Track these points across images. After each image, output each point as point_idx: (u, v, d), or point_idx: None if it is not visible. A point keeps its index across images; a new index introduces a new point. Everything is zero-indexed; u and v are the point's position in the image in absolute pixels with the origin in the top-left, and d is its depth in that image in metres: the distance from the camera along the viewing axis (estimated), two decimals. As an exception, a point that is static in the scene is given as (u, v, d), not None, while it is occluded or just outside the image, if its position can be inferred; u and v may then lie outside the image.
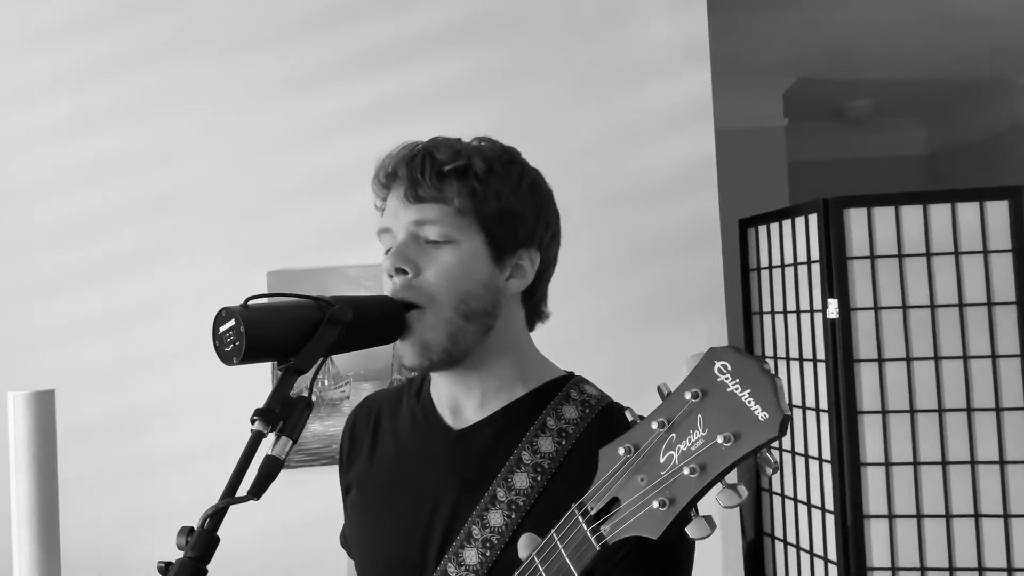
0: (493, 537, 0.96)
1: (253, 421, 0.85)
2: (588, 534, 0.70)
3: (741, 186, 3.57)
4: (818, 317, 2.70)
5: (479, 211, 1.00)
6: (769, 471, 0.64)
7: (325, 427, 2.37)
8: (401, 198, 1.01)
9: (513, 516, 0.96)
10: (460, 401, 1.07)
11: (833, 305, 2.62)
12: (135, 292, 2.42)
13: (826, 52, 4.14)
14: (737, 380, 0.63)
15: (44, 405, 1.33)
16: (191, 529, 0.80)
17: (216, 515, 0.80)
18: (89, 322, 2.40)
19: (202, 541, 0.79)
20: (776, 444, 2.90)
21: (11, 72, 2.45)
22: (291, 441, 0.87)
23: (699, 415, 0.65)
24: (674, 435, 0.66)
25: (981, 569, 2.51)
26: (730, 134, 3.56)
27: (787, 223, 2.86)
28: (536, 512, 0.96)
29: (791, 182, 4.75)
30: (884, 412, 2.58)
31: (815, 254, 2.70)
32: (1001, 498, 2.51)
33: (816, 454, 2.75)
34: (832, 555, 2.67)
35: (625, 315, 2.51)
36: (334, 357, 2.31)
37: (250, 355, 0.86)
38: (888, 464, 2.57)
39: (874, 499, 2.58)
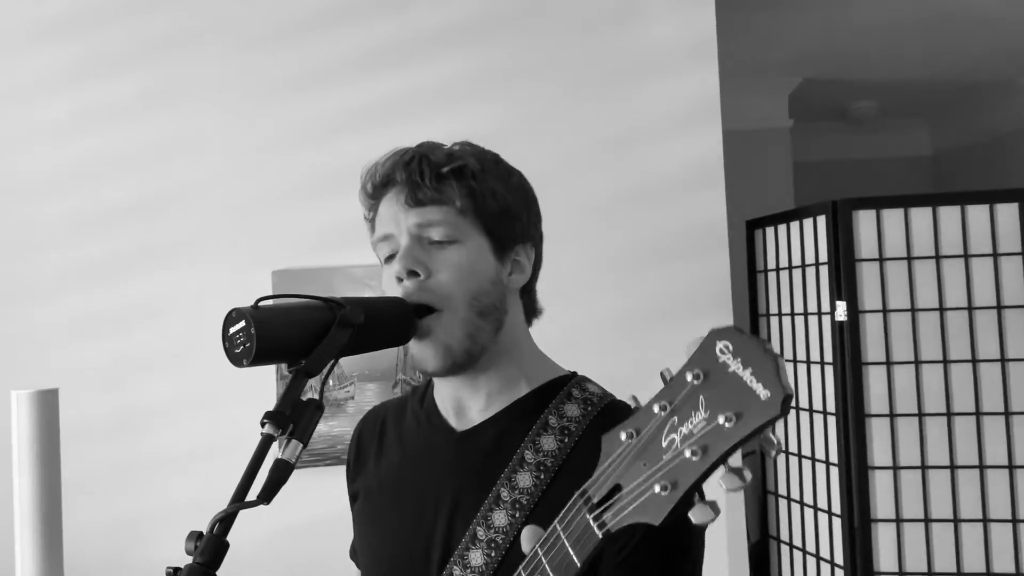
0: (498, 537, 0.96)
1: (263, 424, 0.84)
2: (591, 522, 0.68)
3: (746, 187, 3.55)
4: (826, 319, 2.69)
5: (479, 210, 1.01)
6: (772, 452, 0.63)
7: (329, 427, 2.36)
8: (401, 203, 1.01)
9: (517, 515, 0.96)
10: (465, 403, 1.06)
11: (841, 307, 2.60)
12: (136, 292, 2.41)
13: (831, 53, 4.13)
14: (739, 360, 0.61)
15: (47, 404, 1.33)
16: (200, 534, 0.79)
17: (225, 520, 0.79)
18: (90, 322, 2.39)
19: (211, 547, 0.77)
20: (786, 449, 2.89)
21: (11, 72, 2.44)
22: (301, 444, 0.85)
23: (701, 397, 0.63)
24: (676, 418, 0.65)
25: (989, 574, 2.49)
26: (735, 135, 3.54)
27: (795, 224, 2.85)
28: (540, 511, 0.95)
29: (796, 183, 4.74)
30: (892, 415, 2.57)
31: (823, 256, 2.68)
32: (1010, 503, 2.49)
33: (823, 457, 2.73)
34: (839, 559, 2.65)
35: (631, 317, 2.49)
36: (338, 357, 2.29)
37: (260, 357, 0.84)
38: (896, 468, 2.56)
39: (882, 503, 2.56)
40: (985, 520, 2.50)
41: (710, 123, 2.56)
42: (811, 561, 2.81)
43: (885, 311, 2.58)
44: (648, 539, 0.90)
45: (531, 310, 1.11)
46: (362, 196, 1.07)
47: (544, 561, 0.72)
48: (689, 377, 0.64)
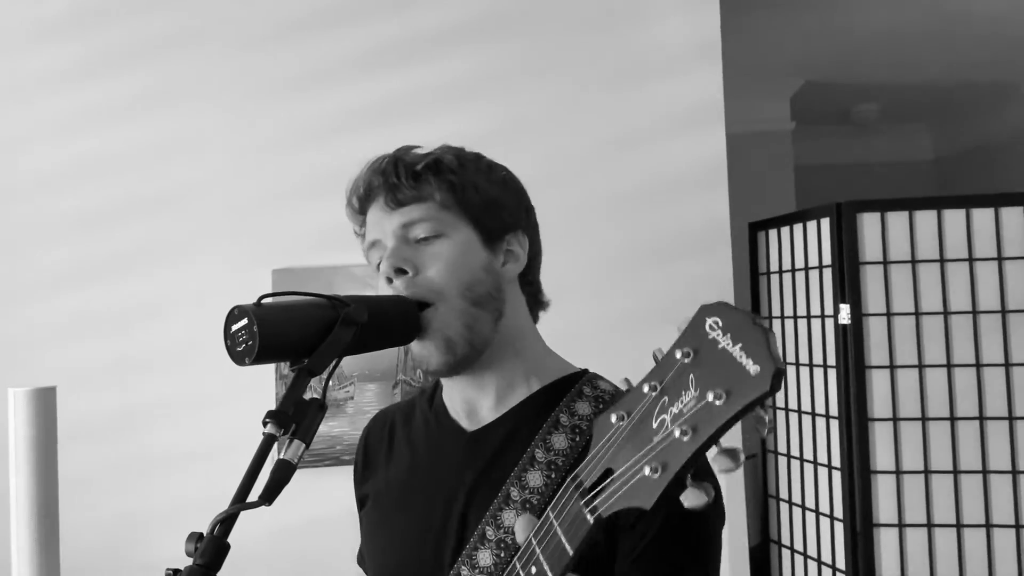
0: (507, 537, 0.94)
1: (265, 424, 0.82)
2: (582, 507, 0.66)
3: (748, 189, 3.53)
4: (829, 323, 2.67)
5: (461, 202, 1.01)
6: (764, 431, 0.60)
7: (329, 428, 2.34)
8: (382, 207, 1.01)
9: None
10: (475, 403, 1.05)
11: (845, 310, 2.59)
12: (136, 291, 2.40)
13: (833, 56, 4.12)
14: (729, 335, 0.59)
15: (45, 402, 1.31)
16: (200, 535, 0.77)
17: (226, 521, 0.77)
18: (90, 321, 2.38)
19: (211, 548, 0.76)
20: (786, 451, 2.88)
21: (11, 71, 2.43)
22: (304, 445, 0.84)
23: (691, 375, 0.61)
24: (666, 398, 0.62)
25: (992, 580, 2.48)
26: (738, 137, 3.53)
27: (798, 227, 2.83)
28: None
29: (797, 186, 4.72)
30: (895, 419, 2.55)
31: (827, 259, 2.67)
32: (1013, 508, 2.48)
33: (826, 461, 2.72)
34: (840, 564, 2.63)
35: (632, 318, 2.48)
36: (339, 358, 2.28)
37: (263, 355, 0.83)
38: (899, 472, 2.54)
39: (884, 508, 2.55)
40: (988, 525, 2.49)
41: (713, 125, 2.55)
42: (812, 566, 2.80)
43: (889, 314, 2.57)
44: (660, 538, 0.89)
45: (536, 303, 1.11)
46: (349, 212, 1.07)
47: (538, 550, 0.70)
48: (679, 355, 0.62)
